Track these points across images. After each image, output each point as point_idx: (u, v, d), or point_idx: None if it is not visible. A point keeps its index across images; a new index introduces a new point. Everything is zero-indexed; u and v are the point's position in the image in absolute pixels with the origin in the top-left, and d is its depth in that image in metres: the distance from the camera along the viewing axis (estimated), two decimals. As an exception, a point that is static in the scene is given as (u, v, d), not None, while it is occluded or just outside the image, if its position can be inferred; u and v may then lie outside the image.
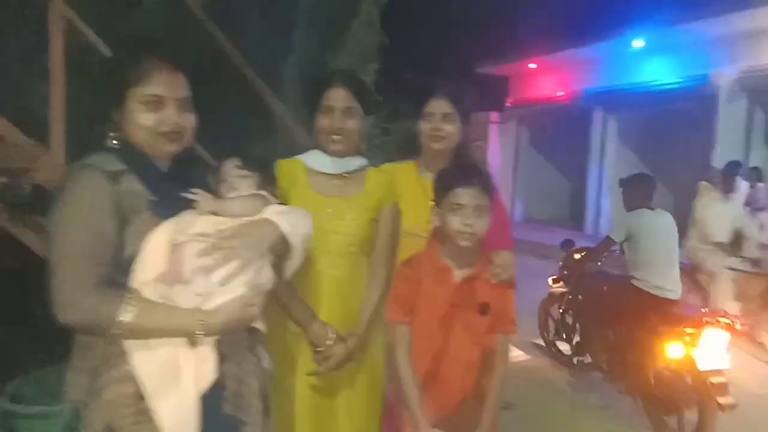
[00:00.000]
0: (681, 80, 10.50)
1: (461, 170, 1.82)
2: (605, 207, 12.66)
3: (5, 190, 2.01)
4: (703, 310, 3.64)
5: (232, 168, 1.61)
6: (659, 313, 3.49)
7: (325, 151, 1.96)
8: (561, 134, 14.07)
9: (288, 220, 1.55)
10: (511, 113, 14.74)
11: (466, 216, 1.75)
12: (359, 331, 1.90)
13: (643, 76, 11.21)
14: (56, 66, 2.14)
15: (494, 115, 14.77)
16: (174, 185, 1.48)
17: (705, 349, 3.13)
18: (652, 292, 3.66)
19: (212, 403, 1.42)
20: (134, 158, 1.44)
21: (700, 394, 3.15)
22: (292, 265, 1.63)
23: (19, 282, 2.44)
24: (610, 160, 12.67)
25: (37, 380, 2.62)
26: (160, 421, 1.33)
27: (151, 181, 1.44)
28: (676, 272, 3.74)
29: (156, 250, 1.38)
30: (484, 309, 1.83)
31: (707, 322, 3.23)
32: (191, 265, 1.39)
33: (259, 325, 1.57)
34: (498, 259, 1.85)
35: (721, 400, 3.07)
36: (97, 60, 2.29)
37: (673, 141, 11.49)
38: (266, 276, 1.51)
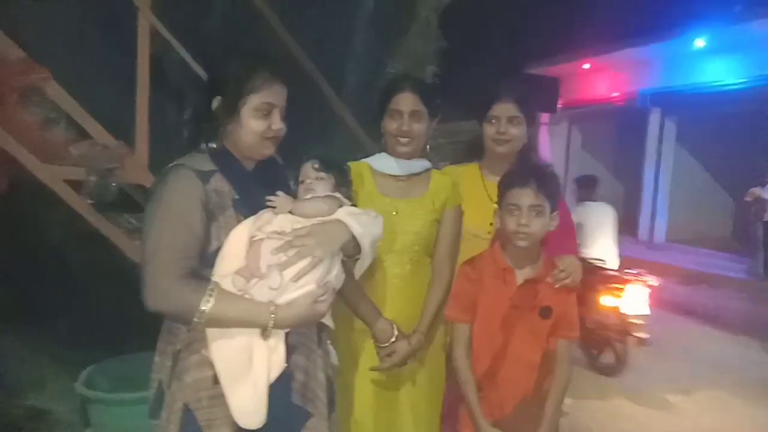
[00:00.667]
0: (745, 81, 10.05)
1: (519, 171, 1.84)
2: (661, 212, 12.27)
3: (94, 189, 2.17)
4: (629, 272, 4.70)
5: (310, 170, 1.69)
6: (597, 276, 4.63)
7: (392, 153, 2.01)
8: (615, 137, 13.72)
9: (359, 222, 1.61)
10: (562, 114, 14.47)
11: (522, 216, 1.77)
12: (422, 329, 1.94)
13: (704, 76, 10.79)
14: (142, 71, 2.28)
15: (545, 117, 14.53)
16: (257, 185, 1.59)
17: (628, 299, 4.43)
18: (592, 262, 4.81)
19: (282, 392, 1.50)
20: (223, 159, 1.55)
21: (623, 330, 4.49)
22: (362, 265, 1.69)
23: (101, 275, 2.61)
24: (667, 163, 12.25)
25: (109, 367, 2.77)
26: (231, 405, 1.41)
27: (237, 181, 1.55)
28: (613, 249, 5.10)
29: (236, 245, 1.47)
30: (545, 312, 1.85)
31: (630, 281, 4.49)
32: (267, 261, 1.46)
33: (328, 321, 1.64)
34: (562, 264, 1.86)
35: (639, 335, 4.40)
36: (177, 64, 2.43)
37: (736, 144, 11.02)
38: (336, 275, 1.57)
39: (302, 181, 1.69)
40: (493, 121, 2.11)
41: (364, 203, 1.91)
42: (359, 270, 1.71)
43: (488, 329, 1.85)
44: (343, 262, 1.64)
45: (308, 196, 1.65)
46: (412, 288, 2.00)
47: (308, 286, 1.49)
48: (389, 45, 3.89)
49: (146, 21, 2.29)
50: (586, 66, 13.20)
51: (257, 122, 1.53)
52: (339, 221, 1.59)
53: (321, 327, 1.65)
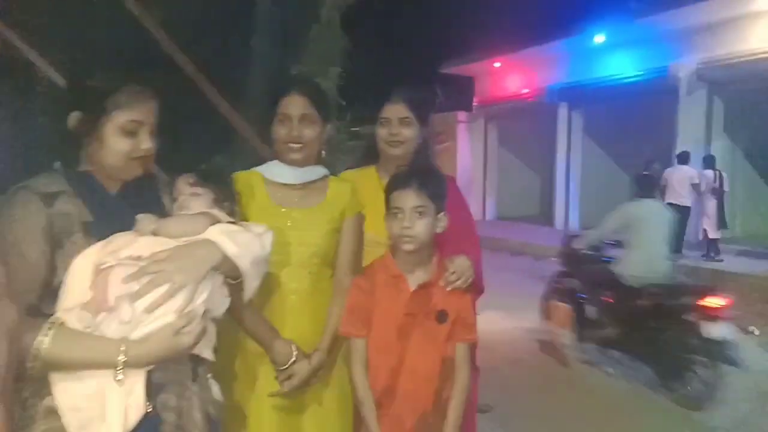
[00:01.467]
0: (642, 73, 10.69)
1: (400, 173, 1.77)
2: (574, 201, 12.82)
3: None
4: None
5: (183, 185, 1.54)
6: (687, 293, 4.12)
7: (283, 161, 1.89)
8: (528, 131, 14.23)
9: (235, 241, 1.46)
10: (478, 112, 14.85)
11: (404, 219, 1.69)
12: (324, 346, 1.82)
13: (605, 70, 11.39)
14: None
15: (462, 115, 14.87)
16: (122, 206, 1.43)
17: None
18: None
19: None
20: (78, 180, 1.39)
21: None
22: (249, 286, 1.53)
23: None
24: (576, 154, 12.83)
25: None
26: None
27: (93, 203, 1.39)
28: (663, 249, 4.46)
29: (80, 274, 1.29)
30: (441, 317, 1.77)
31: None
32: (116, 291, 1.28)
33: (206, 353, 1.47)
34: (452, 266, 1.80)
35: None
36: (45, 81, 2.20)
37: (637, 133, 11.70)
38: (205, 301, 1.40)
39: (176, 199, 1.54)
40: (385, 122, 2.05)
41: (257, 215, 1.80)
42: (248, 292, 1.55)
43: (384, 341, 1.75)
44: (229, 285, 1.49)
45: (181, 213, 1.50)
46: (313, 304, 1.87)
47: (166, 317, 1.32)
48: (291, 47, 3.76)
49: None
50: (498, 65, 13.61)
51: (122, 142, 1.38)
52: (207, 241, 1.43)
53: (198, 360, 1.47)
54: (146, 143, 1.42)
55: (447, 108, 14.27)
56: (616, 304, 4.37)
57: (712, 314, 3.70)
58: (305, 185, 1.91)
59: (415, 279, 1.77)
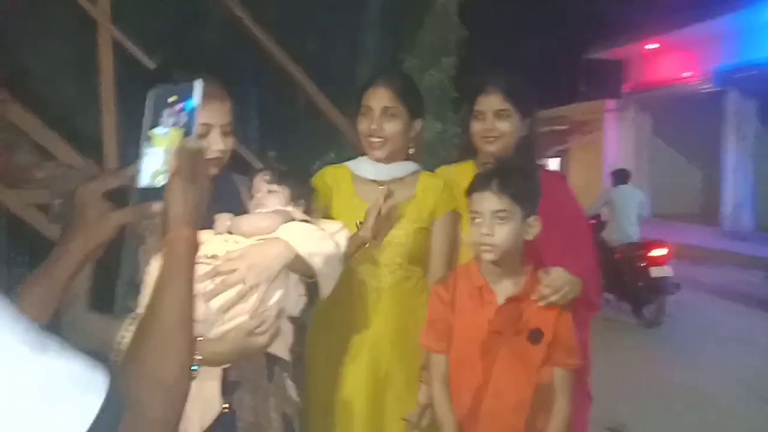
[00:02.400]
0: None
1: (482, 173, 1.56)
2: (745, 199, 11.19)
3: (60, 211, 2.08)
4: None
5: (260, 182, 1.51)
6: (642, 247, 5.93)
7: (368, 156, 1.82)
8: (688, 120, 12.66)
9: (307, 239, 1.41)
10: (629, 100, 13.56)
11: (483, 224, 1.48)
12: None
13: (787, 47, 9.73)
14: (106, 88, 2.19)
15: (610, 103, 13.68)
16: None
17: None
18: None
19: None
20: None
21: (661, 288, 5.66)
22: (323, 286, 1.47)
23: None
24: (747, 146, 11.16)
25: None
26: None
27: None
28: (635, 227, 6.27)
29: (154, 274, 1.30)
30: (534, 336, 1.54)
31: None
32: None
33: (281, 352, 1.44)
34: (546, 278, 1.55)
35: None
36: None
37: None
38: (281, 300, 1.36)
39: (253, 196, 1.51)
40: (479, 116, 1.85)
41: (342, 210, 1.75)
42: (324, 291, 1.49)
43: (466, 359, 1.56)
44: (306, 283, 1.45)
45: (257, 212, 1.47)
46: (396, 303, 1.77)
47: (240, 317, 1.30)
48: (402, 39, 3.65)
49: (107, 34, 2.19)
50: (652, 46, 12.30)
51: None
52: (280, 240, 1.39)
53: (273, 359, 1.45)
54: (218, 144, 1.38)
55: (593, 96, 13.25)
56: (602, 257, 5.07)
57: (657, 261, 5.55)
58: (393, 181, 1.81)
59: (503, 291, 1.55)
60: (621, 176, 6.62)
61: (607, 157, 13.48)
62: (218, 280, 1.29)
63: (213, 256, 1.32)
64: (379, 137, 1.75)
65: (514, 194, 1.47)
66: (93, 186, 0.86)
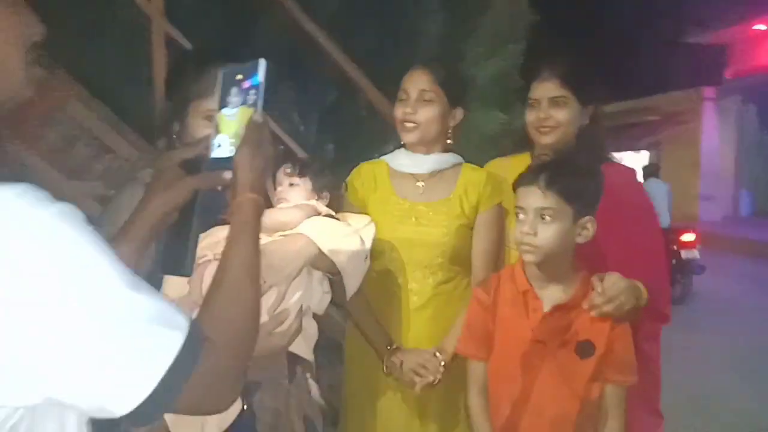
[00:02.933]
0: None
1: (532, 166, 1.40)
2: None
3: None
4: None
5: (281, 175, 1.47)
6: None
7: (405, 146, 1.73)
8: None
9: (331, 235, 1.35)
10: (732, 87, 12.40)
11: (526, 222, 1.33)
12: (446, 347, 1.61)
13: None
14: (158, 81, 2.21)
15: (709, 91, 12.57)
16: (218, 198, 1.38)
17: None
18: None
19: None
20: None
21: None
22: (348, 284, 1.41)
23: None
24: None
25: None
26: None
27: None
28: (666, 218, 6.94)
29: None
30: (584, 349, 1.37)
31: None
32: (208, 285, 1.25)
33: (303, 352, 1.39)
34: (599, 285, 1.37)
35: None
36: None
37: None
38: (303, 298, 1.32)
39: (275, 190, 1.47)
40: (534, 104, 1.69)
41: (379, 208, 1.68)
42: (349, 289, 1.43)
43: (506, 369, 1.43)
44: (332, 282, 1.41)
45: (280, 206, 1.42)
46: (437, 307, 1.67)
47: None
48: (466, 27, 3.47)
49: (160, 29, 2.23)
50: (761, 27, 11.16)
51: (206, 133, 1.32)
52: (301, 236, 1.34)
53: (295, 359, 1.39)
54: None
55: (689, 83, 12.24)
56: None
57: (687, 245, 6.39)
58: (433, 175, 1.71)
59: (550, 298, 1.40)
60: (651, 170, 7.89)
61: (704, 151, 12.44)
62: None
63: None
64: (413, 122, 1.65)
65: (563, 191, 1.31)
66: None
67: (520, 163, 1.77)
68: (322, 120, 3.20)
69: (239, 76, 0.89)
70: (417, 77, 1.67)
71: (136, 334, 0.62)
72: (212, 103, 1.23)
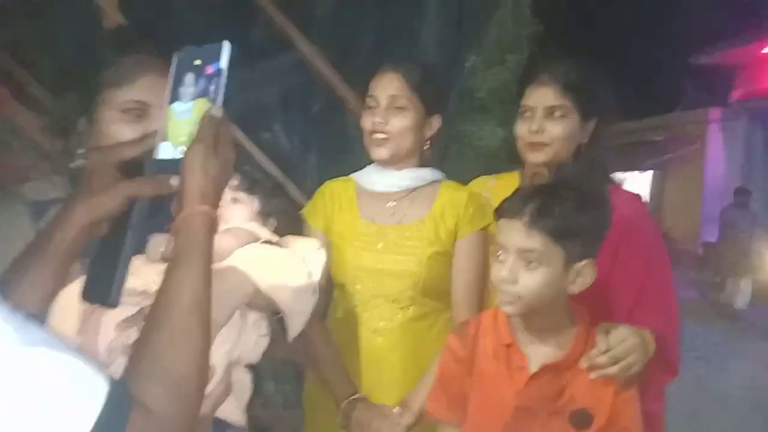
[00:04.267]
0: None
1: (518, 193, 1.15)
2: None
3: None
4: None
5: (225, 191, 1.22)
6: None
7: (375, 161, 1.49)
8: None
9: (270, 266, 1.11)
10: (738, 110, 12.18)
11: (506, 266, 1.07)
12: (412, 404, 1.37)
13: None
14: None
15: (714, 112, 12.34)
16: (139, 222, 1.13)
17: None
18: None
19: None
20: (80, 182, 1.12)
21: None
22: (292, 324, 1.15)
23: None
24: None
25: None
26: None
27: None
28: None
29: (64, 314, 0.99)
30: (581, 420, 1.12)
31: None
32: (109, 340, 0.99)
33: (233, 416, 1.13)
34: (604, 340, 1.12)
35: None
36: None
37: None
38: (232, 350, 1.07)
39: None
40: (526, 113, 1.43)
41: (344, 233, 1.47)
42: (292, 330, 1.17)
43: (485, 439, 1.18)
44: (269, 319, 1.16)
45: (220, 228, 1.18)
46: (406, 350, 1.43)
47: None
48: (467, 37, 3.26)
49: (114, 24, 2.01)
50: (769, 50, 10.99)
51: (122, 129, 1.04)
52: (233, 271, 1.08)
53: (223, 426, 1.13)
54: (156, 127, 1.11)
55: (695, 103, 12.02)
56: None
57: None
58: (406, 195, 1.47)
59: (539, 354, 1.15)
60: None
61: (709, 173, 12.20)
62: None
63: (142, 293, 1.02)
64: (382, 133, 1.42)
65: (554, 230, 1.05)
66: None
67: (508, 183, 1.53)
68: (306, 130, 2.98)
69: (197, 62, 0.74)
70: (387, 81, 1.44)
71: (40, 405, 0.48)
72: (132, 93, 1.04)
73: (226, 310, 1.04)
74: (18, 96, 2.01)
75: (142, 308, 1.01)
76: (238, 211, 1.21)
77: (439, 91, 1.51)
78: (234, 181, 1.21)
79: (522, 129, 1.43)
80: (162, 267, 1.07)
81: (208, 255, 0.68)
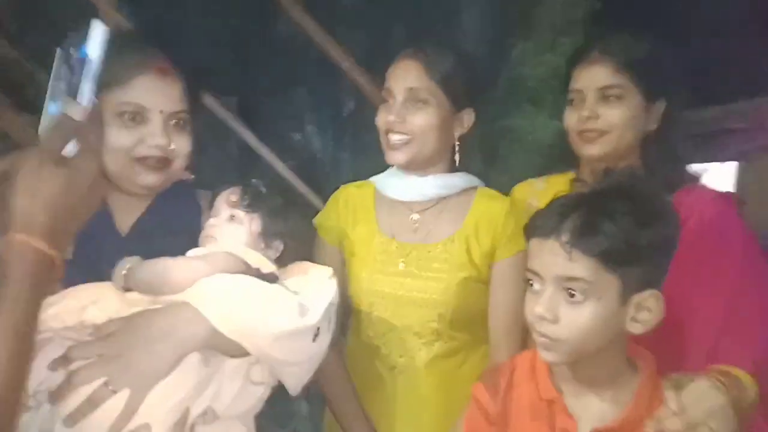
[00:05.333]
0: None
1: (556, 203, 0.88)
2: None
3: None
4: None
5: (222, 203, 1.05)
6: None
7: (389, 160, 1.26)
8: None
9: (239, 304, 0.90)
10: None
11: (542, 299, 0.82)
12: None
13: None
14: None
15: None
16: (132, 239, 1.02)
17: None
18: None
19: None
20: None
21: None
22: (286, 376, 0.96)
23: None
24: None
25: None
26: None
27: (83, 232, 0.98)
28: None
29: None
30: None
31: None
32: (39, 380, 0.83)
33: None
34: (674, 399, 0.84)
35: None
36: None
37: None
38: (185, 403, 0.87)
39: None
40: (576, 98, 1.20)
41: (357, 250, 1.25)
42: (290, 385, 0.97)
43: None
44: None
45: (193, 251, 1.01)
46: (433, 393, 1.20)
47: None
48: (514, 21, 2.96)
49: (111, 21, 1.88)
50: None
51: (118, 133, 0.98)
52: (184, 307, 0.89)
53: None
54: (157, 138, 0.98)
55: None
56: None
57: None
58: (432, 206, 1.24)
59: (590, 413, 0.89)
60: None
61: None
62: (74, 368, 0.83)
63: (92, 327, 0.88)
64: (400, 133, 1.19)
65: (606, 252, 0.79)
66: None
67: (559, 186, 1.28)
68: (336, 132, 2.78)
69: (72, 50, 0.65)
70: (404, 71, 1.20)
71: None
72: (127, 94, 0.97)
73: (167, 354, 0.85)
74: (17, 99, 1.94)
75: (70, 346, 0.84)
76: (232, 232, 1.02)
77: (471, 80, 1.24)
78: (233, 196, 1.04)
79: (571, 118, 1.20)
80: (131, 296, 0.91)
81: (21, 296, 0.58)
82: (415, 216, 1.24)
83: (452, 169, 1.26)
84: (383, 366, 1.22)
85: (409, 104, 1.18)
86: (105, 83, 0.96)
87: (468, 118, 1.23)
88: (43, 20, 2.17)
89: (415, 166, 1.22)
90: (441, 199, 1.24)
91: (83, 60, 0.63)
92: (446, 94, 1.18)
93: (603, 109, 1.15)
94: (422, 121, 1.18)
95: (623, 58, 1.13)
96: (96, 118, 0.65)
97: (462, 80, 1.20)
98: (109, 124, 0.98)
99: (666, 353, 0.92)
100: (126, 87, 0.98)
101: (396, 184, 1.26)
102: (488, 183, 1.31)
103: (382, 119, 1.21)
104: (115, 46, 1.11)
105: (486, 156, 2.78)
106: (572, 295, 0.79)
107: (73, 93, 0.63)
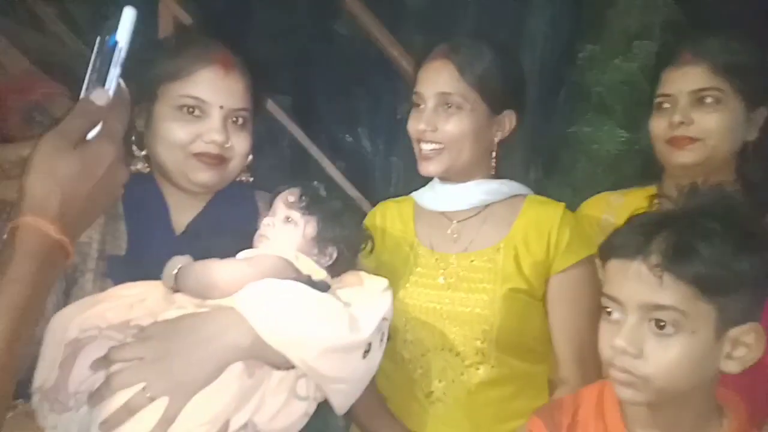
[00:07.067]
0: None
1: (634, 222, 0.77)
2: None
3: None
4: None
5: (280, 204, 1.01)
6: None
7: (421, 171, 1.17)
8: None
9: (287, 313, 0.85)
10: None
11: (623, 329, 0.72)
12: None
13: None
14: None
15: None
16: (188, 237, 1.02)
17: None
18: None
19: None
20: (138, 186, 0.99)
21: None
22: (334, 396, 0.90)
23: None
24: None
25: None
26: None
27: (134, 224, 1.01)
28: None
29: (50, 342, 0.85)
30: None
31: None
32: (79, 381, 0.81)
33: None
34: None
35: None
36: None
37: None
38: (223, 415, 0.81)
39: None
40: (665, 104, 1.11)
41: (394, 262, 1.16)
42: (337, 404, 0.91)
43: None
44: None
45: (258, 248, 0.98)
46: (473, 425, 1.09)
47: None
48: (585, 26, 2.82)
49: (168, 11, 1.89)
50: None
51: (175, 127, 0.98)
52: (229, 313, 0.85)
53: None
54: (215, 134, 0.97)
55: None
56: None
57: None
58: (474, 214, 1.15)
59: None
60: None
61: None
62: (114, 369, 0.80)
63: (135, 327, 0.85)
64: (432, 141, 1.10)
65: (704, 279, 0.68)
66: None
67: (640, 201, 1.14)
68: (389, 135, 2.72)
69: (107, 37, 0.64)
70: (434, 73, 1.10)
71: None
72: (188, 87, 0.97)
73: (209, 362, 0.81)
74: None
75: (111, 347, 0.81)
76: (286, 233, 0.98)
77: (511, 79, 1.13)
78: (291, 197, 0.99)
79: (659, 124, 1.11)
80: (178, 297, 0.87)
81: (21, 283, 0.56)
82: (455, 224, 1.15)
83: (493, 176, 1.16)
84: (418, 391, 1.11)
85: (441, 110, 1.09)
86: (166, 76, 0.98)
87: (509, 121, 1.14)
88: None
89: (451, 177, 1.14)
90: (485, 207, 1.14)
91: (113, 47, 0.62)
92: (482, 96, 1.09)
93: (697, 114, 1.05)
94: (455, 128, 1.08)
95: (721, 60, 1.04)
96: (122, 105, 0.63)
97: (501, 80, 1.10)
98: (168, 118, 0.97)
99: (759, 399, 0.80)
100: (187, 80, 0.97)
101: (434, 194, 1.18)
102: (547, 196, 1.21)
103: (413, 127, 1.13)
104: (178, 38, 1.12)
105: (546, 166, 2.65)
106: (661, 327, 0.69)
107: (101, 79, 0.62)
